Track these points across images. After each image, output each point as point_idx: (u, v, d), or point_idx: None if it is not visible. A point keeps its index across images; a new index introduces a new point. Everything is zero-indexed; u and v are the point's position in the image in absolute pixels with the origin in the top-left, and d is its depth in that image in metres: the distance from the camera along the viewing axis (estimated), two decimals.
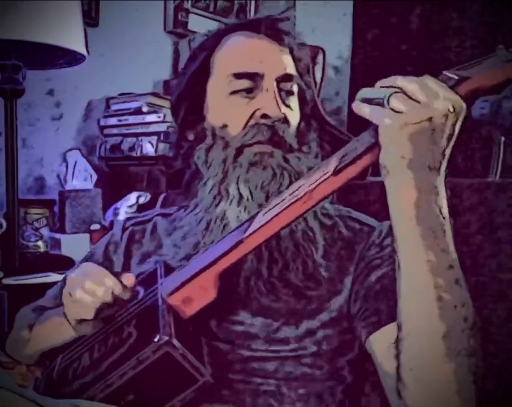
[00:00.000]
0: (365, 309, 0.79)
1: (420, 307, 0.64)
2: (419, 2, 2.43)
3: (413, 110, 0.58)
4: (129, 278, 0.77)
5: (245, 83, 0.84)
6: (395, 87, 0.60)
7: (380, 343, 0.74)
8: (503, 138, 1.52)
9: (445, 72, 0.64)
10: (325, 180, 0.64)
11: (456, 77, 0.61)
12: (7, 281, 1.47)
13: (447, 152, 0.61)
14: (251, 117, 0.84)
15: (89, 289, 0.74)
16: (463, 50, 2.27)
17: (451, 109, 0.58)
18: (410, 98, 0.58)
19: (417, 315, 0.64)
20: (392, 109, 0.59)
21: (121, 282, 0.76)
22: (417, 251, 0.62)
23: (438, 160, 0.60)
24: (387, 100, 0.59)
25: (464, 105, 0.60)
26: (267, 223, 0.67)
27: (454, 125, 0.60)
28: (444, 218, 0.62)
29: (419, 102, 0.58)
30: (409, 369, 0.65)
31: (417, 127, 0.58)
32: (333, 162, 0.65)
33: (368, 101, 0.61)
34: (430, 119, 0.58)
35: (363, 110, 0.61)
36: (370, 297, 0.79)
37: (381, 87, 0.61)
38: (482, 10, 2.23)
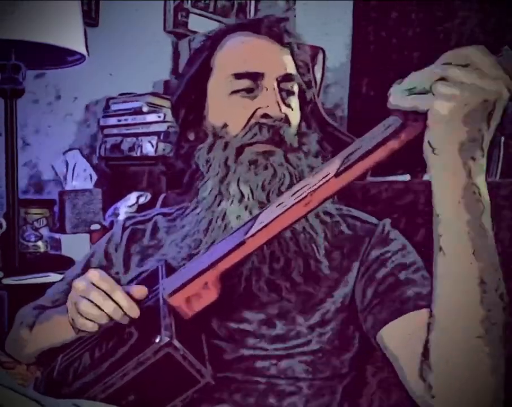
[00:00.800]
0: (375, 304, 0.79)
1: (461, 290, 0.62)
2: (419, 2, 2.43)
3: (466, 92, 0.55)
4: (140, 291, 0.74)
5: (246, 83, 0.84)
6: (441, 74, 0.56)
7: (394, 335, 0.74)
8: (503, 138, 1.52)
9: None
10: (327, 181, 0.64)
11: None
12: (7, 281, 1.47)
13: (490, 135, 0.58)
14: (251, 116, 0.84)
15: (97, 302, 0.72)
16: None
17: (505, 91, 0.56)
18: (458, 83, 0.55)
19: (458, 297, 0.63)
20: (441, 95, 0.55)
21: (129, 294, 0.73)
22: (462, 234, 0.61)
23: (487, 143, 0.58)
24: (431, 88, 0.56)
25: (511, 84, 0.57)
26: (268, 224, 0.67)
27: (502, 107, 0.57)
28: (485, 203, 0.60)
29: (468, 84, 0.55)
30: (438, 355, 0.64)
31: (472, 109, 0.55)
32: (335, 164, 0.65)
33: (408, 93, 0.58)
34: (485, 101, 0.55)
35: (405, 103, 0.58)
36: (378, 294, 0.79)
37: (420, 76, 0.58)
38: (484, 10, 2.23)
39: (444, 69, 0.56)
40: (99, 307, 0.71)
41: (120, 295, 0.72)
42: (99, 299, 0.72)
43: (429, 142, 0.59)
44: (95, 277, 0.74)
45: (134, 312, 0.72)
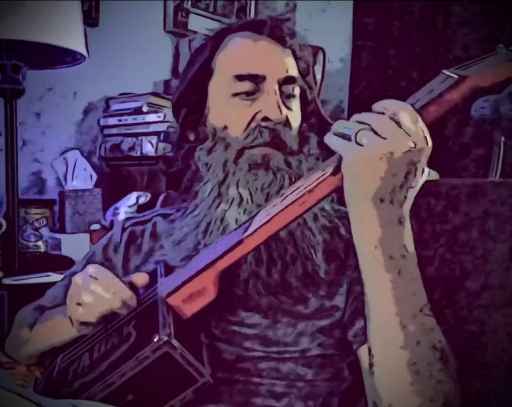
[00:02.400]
0: (352, 323, 0.80)
1: (385, 335, 0.66)
2: (419, 2, 2.43)
3: (374, 145, 0.59)
4: (141, 277, 0.77)
5: (247, 86, 0.84)
6: (365, 123, 0.61)
7: (365, 358, 0.75)
8: (503, 138, 1.52)
9: (444, 71, 0.64)
10: (324, 180, 0.65)
11: (456, 76, 0.61)
12: (7, 281, 1.47)
13: (410, 185, 0.61)
14: (252, 119, 0.83)
15: (97, 293, 0.73)
16: (464, 48, 2.27)
17: (412, 145, 0.59)
18: (376, 133, 0.59)
19: (383, 344, 0.67)
20: (357, 143, 0.60)
21: (130, 283, 0.76)
22: (380, 282, 0.64)
23: (400, 194, 0.61)
24: (355, 135, 0.60)
25: (429, 143, 0.61)
26: (266, 222, 0.67)
27: (416, 160, 0.60)
28: (407, 249, 0.63)
29: (383, 138, 0.59)
30: (382, 390, 0.67)
31: (377, 161, 0.59)
32: (332, 163, 0.65)
33: (339, 134, 0.62)
34: (391, 154, 0.59)
35: (332, 142, 0.63)
36: (357, 312, 0.80)
37: (355, 121, 0.62)
38: (483, 9, 2.23)
39: (369, 118, 0.61)
40: (99, 297, 0.73)
41: (118, 285, 0.74)
42: (99, 289, 0.73)
43: (345, 194, 0.63)
44: (94, 270, 0.76)
45: (133, 301, 0.75)
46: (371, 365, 0.69)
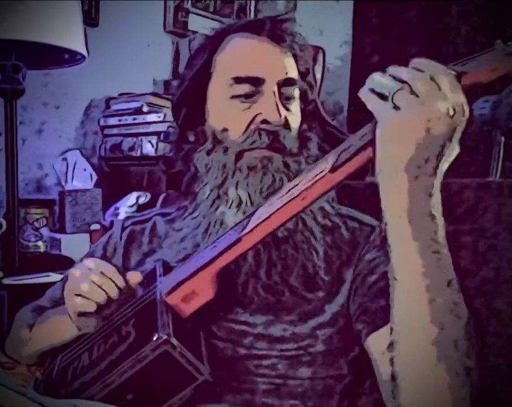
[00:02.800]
0: (363, 310, 0.79)
1: (412, 310, 0.64)
2: (419, 1, 2.43)
3: (411, 109, 0.57)
4: (135, 276, 0.77)
5: (246, 88, 0.83)
6: (403, 81, 0.58)
7: (377, 345, 0.74)
8: (503, 138, 1.52)
9: None
10: (322, 177, 0.65)
11: (454, 72, 0.61)
12: (7, 281, 1.47)
13: (445, 155, 0.60)
14: (251, 122, 0.83)
15: (96, 281, 0.74)
16: (463, 46, 2.27)
17: (451, 112, 0.57)
18: (415, 94, 0.57)
19: (409, 319, 0.64)
20: (394, 105, 0.58)
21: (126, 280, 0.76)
22: (408, 253, 0.62)
23: (433, 162, 0.59)
24: (392, 96, 0.58)
25: (467, 109, 0.59)
26: (264, 220, 0.67)
27: (453, 128, 0.58)
28: (437, 221, 0.61)
29: (422, 102, 0.57)
30: (402, 372, 0.65)
31: (414, 128, 0.57)
32: (330, 159, 0.65)
33: (375, 93, 0.60)
34: (429, 121, 0.57)
35: (368, 100, 0.60)
36: (368, 298, 0.79)
37: (392, 77, 0.60)
38: (482, 6, 2.23)
39: (410, 76, 0.58)
40: (98, 286, 0.73)
41: (116, 275, 0.75)
42: (98, 279, 0.74)
43: (376, 160, 0.61)
44: (90, 262, 0.77)
45: (130, 290, 0.76)
46: (391, 345, 0.66)
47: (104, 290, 0.74)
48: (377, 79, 0.60)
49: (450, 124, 0.58)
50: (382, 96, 0.59)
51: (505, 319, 0.93)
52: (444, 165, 0.61)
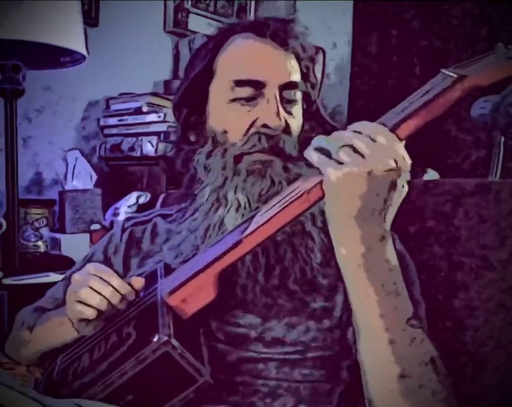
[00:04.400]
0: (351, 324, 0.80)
1: (374, 350, 0.67)
2: (419, 2, 2.43)
3: (354, 162, 0.60)
4: (138, 281, 0.77)
5: (247, 91, 0.83)
6: (346, 140, 0.61)
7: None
8: (503, 138, 1.52)
9: (443, 70, 0.64)
10: (323, 180, 0.65)
11: (455, 75, 0.61)
12: (7, 281, 1.47)
13: (391, 203, 0.62)
14: (251, 125, 0.83)
15: (96, 288, 0.73)
16: (463, 48, 2.27)
17: (393, 164, 0.60)
18: (357, 151, 0.60)
19: (373, 356, 0.68)
20: (337, 160, 0.61)
21: (128, 284, 0.76)
22: (365, 297, 0.65)
23: (380, 211, 0.62)
24: (336, 152, 0.61)
25: (408, 161, 0.61)
26: (265, 223, 0.67)
27: (396, 178, 0.61)
28: (391, 264, 0.64)
29: (363, 156, 0.60)
30: (375, 402, 0.69)
31: (358, 179, 0.60)
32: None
33: (320, 150, 0.63)
34: (372, 172, 0.59)
35: (312, 157, 0.63)
36: None
37: (336, 137, 0.63)
38: (482, 8, 2.23)
39: (351, 136, 0.61)
40: (98, 293, 0.73)
41: (117, 281, 0.74)
42: (99, 285, 0.73)
43: (325, 211, 0.64)
44: (93, 268, 0.77)
45: (132, 296, 0.75)
46: (363, 375, 0.70)
47: (103, 296, 0.73)
48: (321, 140, 0.63)
49: (393, 175, 0.60)
50: (326, 154, 0.62)
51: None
52: (392, 211, 0.63)
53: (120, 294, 0.74)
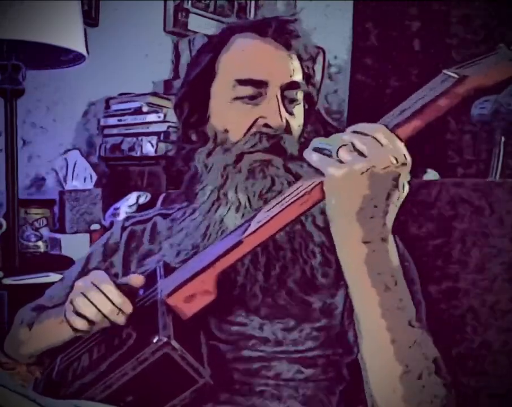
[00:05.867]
0: (352, 324, 0.79)
1: (376, 349, 0.67)
2: (418, 2, 2.43)
3: (355, 161, 0.60)
4: (137, 279, 0.77)
5: (249, 91, 0.83)
6: (346, 140, 0.61)
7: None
8: (503, 138, 1.52)
9: (444, 71, 0.64)
10: (323, 181, 0.64)
11: (456, 76, 0.61)
12: (7, 281, 1.47)
13: (392, 201, 0.62)
14: (252, 125, 0.83)
15: (93, 299, 0.72)
16: (464, 48, 2.27)
17: (394, 161, 0.60)
18: (357, 150, 0.60)
19: (375, 356, 0.68)
20: (338, 160, 0.61)
21: (126, 285, 0.76)
22: (367, 297, 0.65)
23: (381, 210, 0.61)
24: (336, 152, 0.61)
25: (409, 159, 0.61)
26: (266, 223, 0.67)
27: (396, 175, 0.61)
28: (393, 263, 0.64)
29: (364, 154, 0.60)
30: (377, 399, 0.69)
31: (359, 178, 0.59)
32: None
33: (319, 150, 0.63)
34: (372, 170, 0.59)
35: (312, 158, 0.63)
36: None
37: (335, 138, 0.63)
38: (483, 8, 2.23)
39: (350, 136, 0.61)
40: (94, 306, 0.72)
41: (119, 299, 0.72)
42: (95, 297, 0.72)
43: (326, 211, 0.64)
44: (94, 276, 0.75)
45: (128, 308, 0.72)
46: (365, 374, 0.70)
47: (98, 309, 0.72)
48: (320, 140, 0.63)
49: (394, 172, 0.60)
50: (326, 154, 0.62)
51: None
52: (393, 209, 0.63)
53: (117, 308, 0.72)
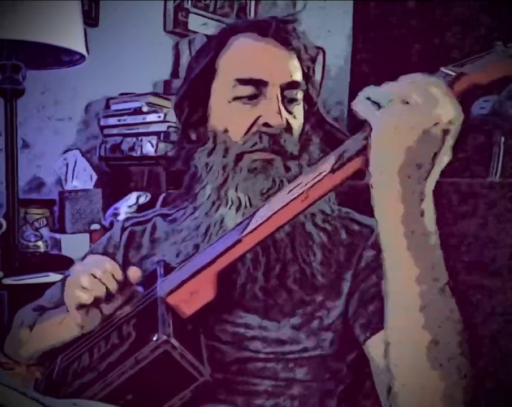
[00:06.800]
0: (361, 313, 0.79)
1: (406, 316, 0.64)
2: (418, 2, 2.43)
3: (405, 116, 0.58)
4: (135, 272, 0.78)
5: (249, 90, 0.83)
6: (398, 91, 0.59)
7: (376, 348, 0.75)
8: (503, 138, 1.52)
9: (442, 69, 0.64)
10: (322, 178, 0.64)
11: (453, 74, 0.61)
12: (7, 281, 1.47)
13: (437, 162, 0.60)
14: (253, 124, 0.83)
15: (96, 274, 0.74)
16: (463, 47, 2.27)
17: (445, 120, 0.58)
18: (409, 104, 0.58)
19: (404, 324, 0.65)
20: (388, 113, 0.59)
21: (125, 275, 0.77)
22: (401, 260, 0.63)
23: (425, 168, 0.60)
24: (387, 103, 0.59)
25: (462, 116, 0.59)
26: (265, 221, 0.67)
27: (446, 136, 0.59)
28: (429, 226, 0.62)
29: (415, 108, 0.58)
30: (397, 376, 0.66)
31: (408, 131, 0.58)
32: (330, 160, 0.65)
33: (370, 102, 0.61)
34: (422, 124, 0.57)
35: (361, 108, 0.61)
36: (367, 301, 0.79)
37: (386, 89, 0.61)
38: (482, 7, 2.23)
39: (407, 88, 0.59)
40: (97, 279, 0.74)
41: (115, 269, 0.76)
42: (97, 272, 0.75)
43: (370, 164, 0.61)
44: (93, 257, 0.79)
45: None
46: (387, 349, 0.67)
47: (103, 284, 0.74)
48: (371, 90, 0.61)
49: (444, 132, 0.58)
50: (376, 106, 0.60)
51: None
52: (437, 171, 0.61)
53: (118, 281, 0.75)
